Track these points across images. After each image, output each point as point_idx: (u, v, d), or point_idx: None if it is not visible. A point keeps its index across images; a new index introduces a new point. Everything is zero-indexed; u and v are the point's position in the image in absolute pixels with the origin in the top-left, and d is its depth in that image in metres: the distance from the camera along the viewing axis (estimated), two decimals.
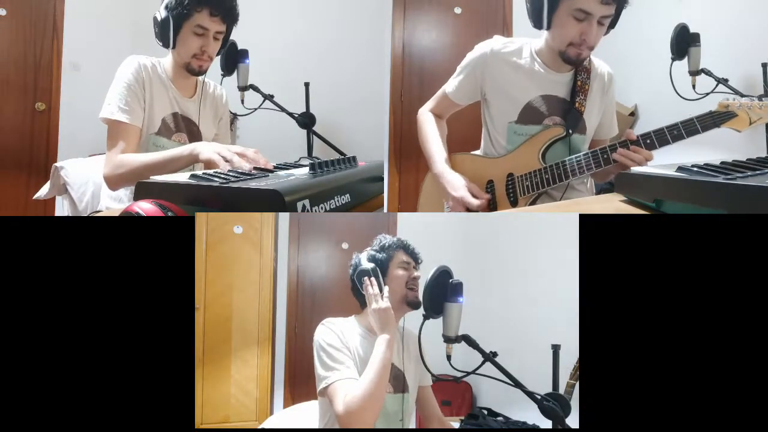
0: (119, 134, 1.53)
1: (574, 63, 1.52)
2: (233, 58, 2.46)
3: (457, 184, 1.56)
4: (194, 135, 1.71)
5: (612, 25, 1.47)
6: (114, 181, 1.53)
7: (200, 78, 1.73)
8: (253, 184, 1.05)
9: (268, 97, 2.52)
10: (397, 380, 1.24)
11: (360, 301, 1.26)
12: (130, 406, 1.02)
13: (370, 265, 1.21)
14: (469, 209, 1.54)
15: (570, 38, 1.46)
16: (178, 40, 1.58)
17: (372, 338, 1.21)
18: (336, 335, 1.19)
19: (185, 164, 1.43)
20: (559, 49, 1.51)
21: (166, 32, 1.56)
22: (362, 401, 1.07)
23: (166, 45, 1.60)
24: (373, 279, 1.18)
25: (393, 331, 1.16)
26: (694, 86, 2.12)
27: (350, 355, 1.17)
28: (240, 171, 1.25)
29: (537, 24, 1.51)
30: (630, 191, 1.20)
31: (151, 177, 1.17)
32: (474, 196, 1.53)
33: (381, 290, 1.18)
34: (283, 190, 0.98)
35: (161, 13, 1.56)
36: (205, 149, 1.37)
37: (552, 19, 1.47)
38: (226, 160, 1.29)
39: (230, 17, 1.61)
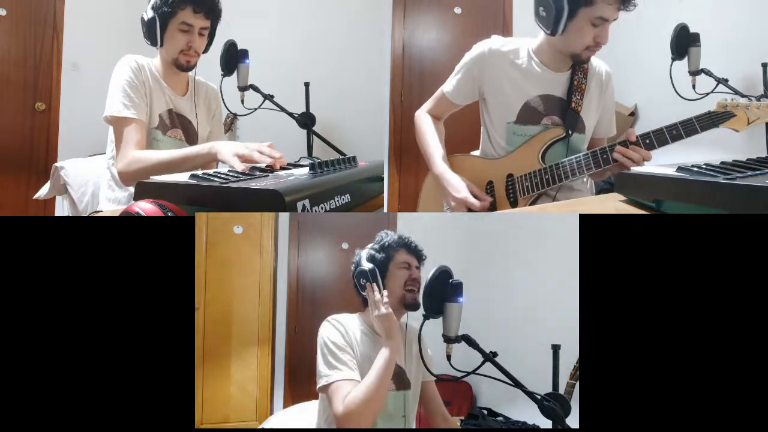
0: (128, 130, 1.55)
1: (586, 62, 1.55)
2: (233, 58, 2.46)
3: (458, 186, 1.56)
4: (189, 131, 1.74)
5: None
6: (129, 177, 1.54)
7: (191, 75, 1.76)
8: (253, 184, 1.05)
9: (268, 97, 2.52)
10: (399, 377, 1.24)
11: (362, 299, 1.26)
12: (130, 406, 1.02)
13: (368, 266, 1.19)
14: (470, 210, 1.54)
15: (587, 43, 1.48)
16: (165, 38, 1.62)
17: (374, 337, 1.21)
18: (340, 334, 1.18)
19: (202, 163, 1.45)
20: (572, 52, 1.52)
21: (153, 31, 1.61)
22: (362, 404, 1.07)
23: (153, 43, 1.64)
24: (374, 285, 1.17)
25: (398, 337, 1.15)
26: (694, 86, 2.12)
27: (353, 354, 1.17)
28: (240, 171, 1.25)
29: (553, 31, 1.48)
30: (630, 191, 1.20)
31: (151, 177, 1.18)
32: (475, 197, 1.53)
33: (381, 294, 1.17)
34: (283, 190, 0.98)
35: (148, 14, 1.61)
36: (222, 149, 1.39)
37: (567, 26, 1.46)
38: (245, 160, 1.31)
39: (213, 13, 1.65)
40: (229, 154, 1.34)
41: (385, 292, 1.17)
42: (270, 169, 1.31)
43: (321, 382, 1.14)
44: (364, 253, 1.25)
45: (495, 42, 1.61)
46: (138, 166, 1.50)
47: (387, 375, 1.11)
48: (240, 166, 1.29)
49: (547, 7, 1.46)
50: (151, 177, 1.18)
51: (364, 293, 1.20)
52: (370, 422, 1.08)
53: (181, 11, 1.59)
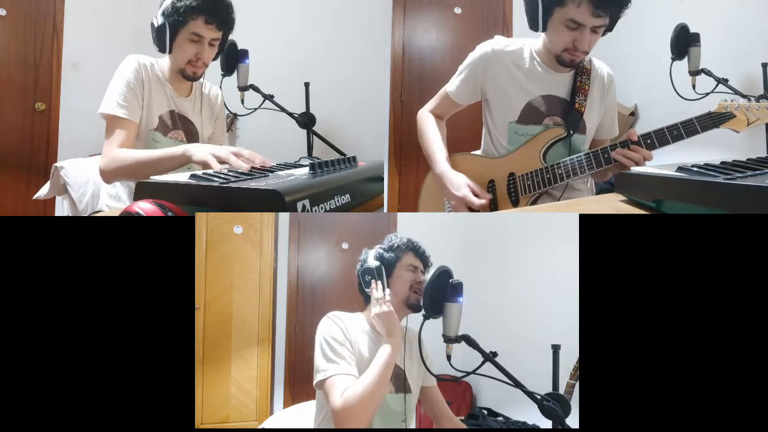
0: (117, 129, 1.55)
1: (569, 66, 1.54)
2: (233, 58, 2.47)
3: (459, 184, 1.56)
4: (191, 133, 1.74)
5: (609, 29, 1.48)
6: (108, 175, 1.56)
7: None
8: (253, 184, 1.05)
9: (268, 97, 2.53)
10: (398, 380, 1.23)
11: (365, 298, 1.26)
12: (130, 406, 1.02)
13: (375, 264, 1.20)
14: (471, 209, 1.54)
15: (564, 45, 1.49)
16: (174, 46, 1.60)
17: (375, 337, 1.21)
18: (340, 329, 1.18)
19: (177, 164, 1.45)
20: (554, 53, 1.53)
21: (162, 38, 1.58)
22: (361, 399, 1.06)
23: (162, 50, 1.62)
24: (378, 282, 1.18)
25: (399, 335, 1.15)
26: (694, 86, 2.12)
27: (352, 350, 1.16)
28: (240, 171, 1.25)
29: (533, 27, 1.52)
30: (630, 191, 1.20)
31: (151, 177, 1.18)
32: (476, 195, 1.53)
33: (384, 292, 1.17)
34: (283, 190, 0.98)
35: (158, 20, 1.58)
36: (198, 151, 1.39)
37: (547, 24, 1.48)
38: (221, 161, 1.31)
39: (226, 24, 1.62)
40: (205, 153, 1.35)
41: (388, 291, 1.17)
42: (270, 170, 1.32)
43: (318, 377, 1.13)
44: (372, 252, 1.25)
45: (498, 42, 1.61)
46: (116, 165, 1.51)
47: (387, 372, 1.11)
48: (217, 165, 1.30)
49: (527, 1, 1.51)
50: (151, 177, 1.18)
51: (367, 290, 1.20)
52: (369, 420, 1.08)
53: (192, 21, 1.55)
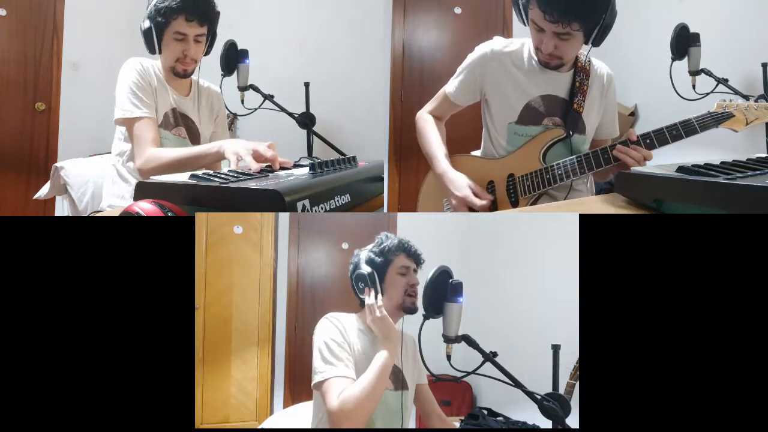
0: (143, 130, 1.60)
1: (544, 66, 1.55)
2: (233, 59, 2.47)
3: (460, 184, 1.56)
4: (192, 131, 1.77)
5: (596, 43, 1.45)
6: (147, 174, 1.59)
7: (194, 77, 1.79)
8: (253, 184, 1.05)
9: (268, 97, 2.53)
10: (396, 377, 1.24)
11: (360, 301, 1.26)
12: (130, 406, 1.02)
13: (367, 270, 1.19)
14: (471, 209, 1.54)
15: (535, 44, 1.51)
16: (162, 47, 1.66)
17: (372, 336, 1.21)
18: (338, 331, 1.18)
19: (212, 161, 1.52)
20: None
21: (150, 40, 1.65)
22: (357, 402, 1.06)
23: (152, 52, 1.67)
24: (371, 290, 1.17)
25: (395, 339, 1.15)
26: (694, 86, 2.13)
27: (350, 352, 1.17)
28: (240, 171, 1.25)
29: (520, 21, 1.53)
30: (630, 191, 1.20)
31: (151, 177, 1.18)
32: (477, 196, 1.53)
33: (377, 298, 1.16)
34: (283, 190, 0.98)
35: (144, 24, 1.64)
36: (228, 147, 1.44)
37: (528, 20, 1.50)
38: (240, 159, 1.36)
39: (207, 19, 1.66)
40: (231, 152, 1.40)
41: (381, 297, 1.17)
42: (270, 170, 1.32)
43: (316, 379, 1.13)
44: (363, 256, 1.24)
45: (497, 43, 1.61)
46: (155, 164, 1.56)
47: (384, 375, 1.11)
48: (233, 164, 1.34)
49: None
50: (151, 177, 1.18)
51: (362, 296, 1.20)
52: (364, 422, 1.08)
53: (174, 21, 1.61)
